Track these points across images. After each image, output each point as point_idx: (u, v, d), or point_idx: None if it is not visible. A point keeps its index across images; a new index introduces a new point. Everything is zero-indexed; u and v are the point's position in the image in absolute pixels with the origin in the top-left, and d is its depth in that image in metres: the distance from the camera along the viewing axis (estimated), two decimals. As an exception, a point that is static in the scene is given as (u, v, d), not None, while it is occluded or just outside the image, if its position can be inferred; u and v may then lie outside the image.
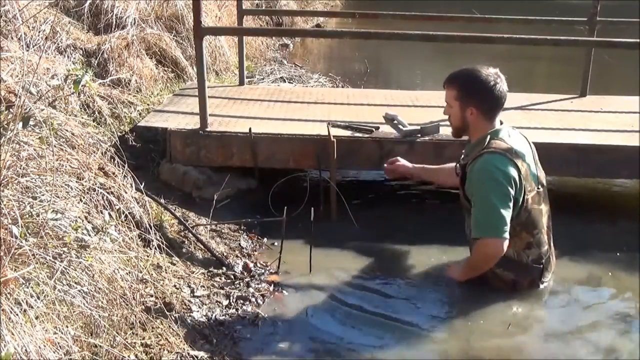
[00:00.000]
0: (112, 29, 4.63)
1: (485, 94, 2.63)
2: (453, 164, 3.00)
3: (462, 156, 2.81)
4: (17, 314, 1.63)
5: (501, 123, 2.71)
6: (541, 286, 2.74)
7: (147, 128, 3.62)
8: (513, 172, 2.56)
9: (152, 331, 2.13)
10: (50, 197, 2.02)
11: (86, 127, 3.16)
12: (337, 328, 2.45)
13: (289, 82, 6.21)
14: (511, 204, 2.56)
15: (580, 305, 2.68)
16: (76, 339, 1.81)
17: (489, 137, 2.64)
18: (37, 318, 1.71)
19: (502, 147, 2.60)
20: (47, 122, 2.17)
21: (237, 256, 2.91)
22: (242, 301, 2.55)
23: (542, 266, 2.69)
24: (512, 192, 2.55)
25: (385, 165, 3.23)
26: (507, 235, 2.55)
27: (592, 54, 4.37)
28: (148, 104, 4.19)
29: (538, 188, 2.68)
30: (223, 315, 2.44)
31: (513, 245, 2.61)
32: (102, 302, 1.94)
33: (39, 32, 3.83)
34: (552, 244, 2.78)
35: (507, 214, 2.55)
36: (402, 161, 3.20)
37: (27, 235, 1.83)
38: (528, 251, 2.65)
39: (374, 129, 3.50)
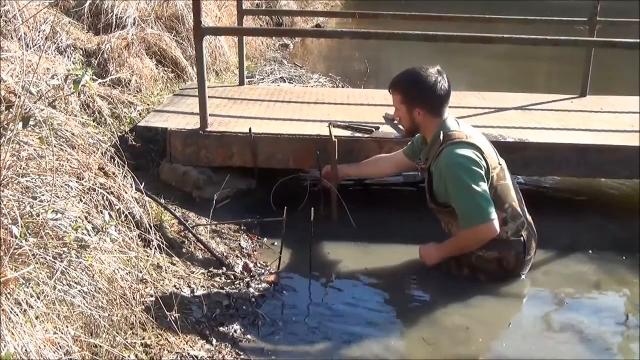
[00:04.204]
0: (112, 29, 4.63)
1: (428, 94, 2.73)
2: (381, 155, 3.29)
3: (422, 161, 2.88)
4: (17, 314, 1.63)
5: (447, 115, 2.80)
6: (527, 259, 2.77)
7: (147, 128, 3.62)
8: (476, 154, 2.66)
9: (152, 331, 2.13)
10: (50, 197, 2.02)
11: (86, 127, 3.15)
12: (337, 328, 2.45)
13: (289, 82, 6.20)
14: (486, 185, 2.64)
15: (579, 304, 2.68)
16: (76, 339, 1.81)
17: (441, 132, 2.72)
18: (37, 318, 1.71)
19: (457, 136, 2.70)
20: (47, 122, 2.17)
21: (237, 256, 2.91)
22: (242, 301, 2.54)
23: (522, 238, 2.73)
24: (482, 172, 2.65)
25: (322, 176, 3.30)
26: (494, 214, 2.63)
27: (592, 54, 4.37)
28: (148, 104, 4.19)
29: (500, 164, 2.77)
30: (223, 315, 2.44)
31: None
32: (102, 302, 1.94)
33: (39, 32, 3.83)
34: (527, 217, 2.82)
35: (487, 194, 2.63)
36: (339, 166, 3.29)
37: (27, 235, 1.83)
38: (505, 227, 2.70)
39: (374, 129, 3.50)
